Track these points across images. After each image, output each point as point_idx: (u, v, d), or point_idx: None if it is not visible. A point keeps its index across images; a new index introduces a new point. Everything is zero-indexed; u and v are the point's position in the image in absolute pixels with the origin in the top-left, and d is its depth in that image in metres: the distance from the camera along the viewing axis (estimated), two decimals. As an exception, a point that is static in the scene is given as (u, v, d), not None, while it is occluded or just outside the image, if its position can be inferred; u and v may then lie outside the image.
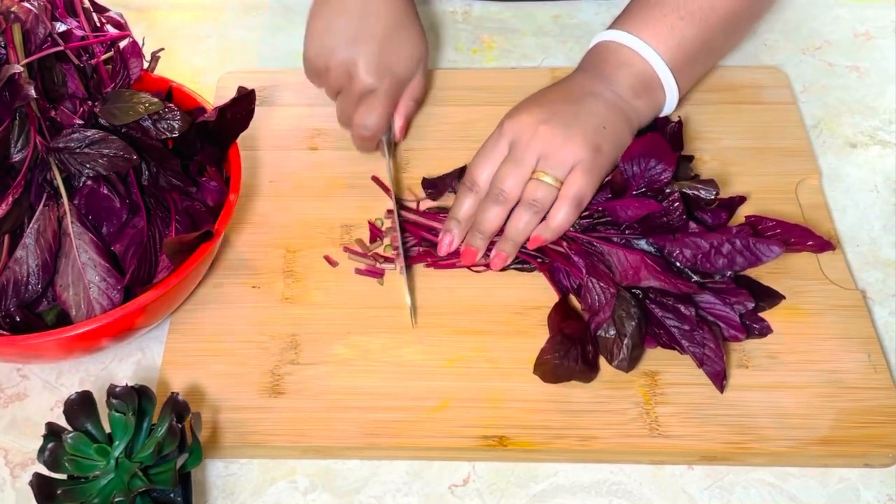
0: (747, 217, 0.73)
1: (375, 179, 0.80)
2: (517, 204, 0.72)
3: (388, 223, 0.78)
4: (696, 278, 0.69)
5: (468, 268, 0.74)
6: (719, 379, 0.66)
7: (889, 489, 0.64)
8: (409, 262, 0.74)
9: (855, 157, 0.85)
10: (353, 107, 0.79)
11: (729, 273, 0.69)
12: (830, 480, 0.65)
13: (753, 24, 0.93)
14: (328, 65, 0.78)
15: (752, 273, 0.71)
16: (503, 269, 0.74)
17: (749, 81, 0.88)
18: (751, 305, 0.68)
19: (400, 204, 0.78)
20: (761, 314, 0.70)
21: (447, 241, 0.74)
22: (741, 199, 0.75)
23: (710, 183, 0.72)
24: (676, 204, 0.69)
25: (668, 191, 0.71)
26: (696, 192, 0.71)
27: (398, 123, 0.81)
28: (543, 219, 0.72)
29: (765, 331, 0.69)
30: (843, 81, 0.91)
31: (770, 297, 0.71)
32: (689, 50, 0.77)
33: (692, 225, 0.70)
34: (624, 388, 0.67)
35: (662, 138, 0.73)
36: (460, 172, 0.79)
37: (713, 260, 0.68)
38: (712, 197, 0.71)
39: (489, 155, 0.73)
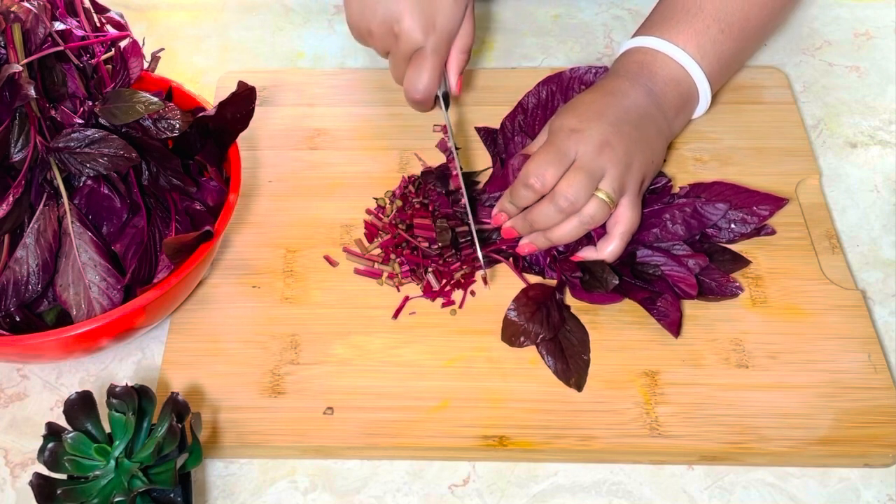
0: (691, 185, 0.77)
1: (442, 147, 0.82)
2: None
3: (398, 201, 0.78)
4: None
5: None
6: (675, 327, 0.69)
7: (889, 489, 0.64)
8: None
9: (855, 157, 0.85)
10: (403, 66, 0.77)
11: (687, 238, 0.73)
12: (830, 480, 0.65)
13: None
14: (370, 27, 0.76)
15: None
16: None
17: (749, 81, 0.88)
18: (704, 264, 0.72)
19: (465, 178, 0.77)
20: (733, 276, 0.73)
21: (502, 219, 0.74)
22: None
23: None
24: None
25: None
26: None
27: (453, 80, 0.79)
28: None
29: (736, 290, 0.71)
30: (843, 81, 0.91)
31: (736, 261, 0.74)
32: (725, 63, 0.78)
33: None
34: (624, 387, 0.68)
35: None
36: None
37: (673, 231, 0.73)
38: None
39: (559, 159, 0.70)
